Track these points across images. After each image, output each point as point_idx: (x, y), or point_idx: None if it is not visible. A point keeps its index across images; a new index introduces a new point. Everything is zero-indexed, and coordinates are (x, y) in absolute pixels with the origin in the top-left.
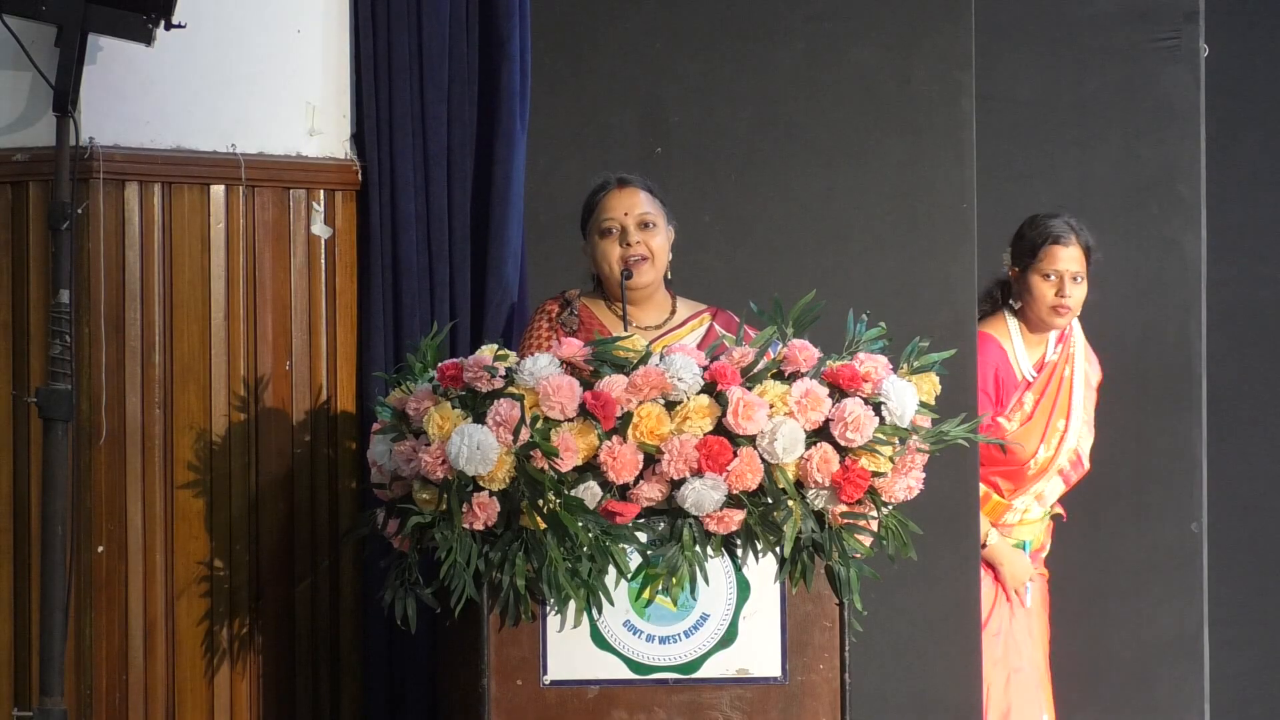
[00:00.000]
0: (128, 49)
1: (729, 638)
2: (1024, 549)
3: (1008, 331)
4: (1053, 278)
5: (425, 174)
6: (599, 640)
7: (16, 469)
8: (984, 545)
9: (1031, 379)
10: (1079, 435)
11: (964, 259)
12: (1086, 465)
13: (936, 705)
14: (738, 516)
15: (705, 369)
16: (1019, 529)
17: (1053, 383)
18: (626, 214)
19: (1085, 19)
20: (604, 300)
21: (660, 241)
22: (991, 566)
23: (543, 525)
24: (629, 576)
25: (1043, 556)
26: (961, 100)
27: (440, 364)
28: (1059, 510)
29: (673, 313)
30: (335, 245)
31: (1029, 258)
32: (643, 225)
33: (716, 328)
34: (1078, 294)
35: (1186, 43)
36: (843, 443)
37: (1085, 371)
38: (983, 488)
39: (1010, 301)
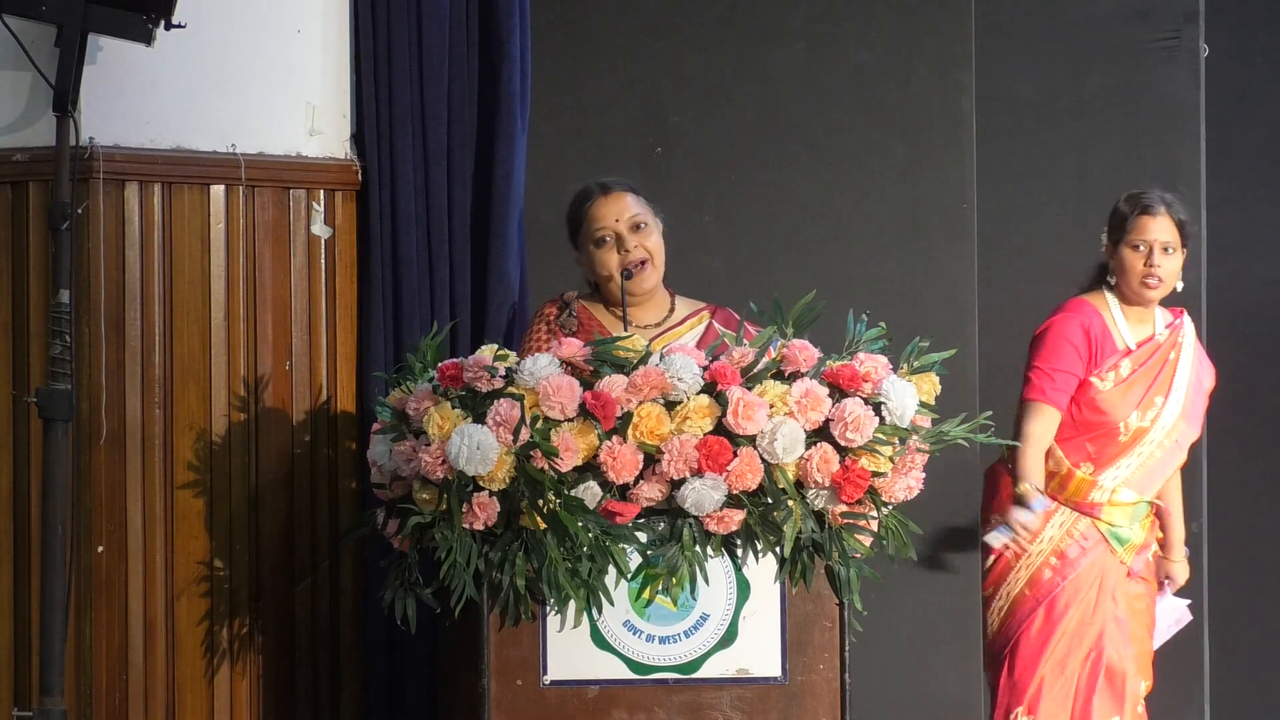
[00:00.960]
0: (128, 49)
1: (729, 638)
2: (1118, 544)
3: (1106, 304)
4: (1141, 248)
5: (425, 174)
6: (599, 640)
7: (16, 469)
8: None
9: (1133, 348)
10: (1175, 417)
11: (964, 259)
12: (1184, 456)
13: (936, 705)
14: (738, 516)
15: (705, 369)
16: (1109, 510)
17: (1155, 359)
18: (618, 220)
19: (1085, 19)
20: (602, 302)
21: (655, 240)
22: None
23: (543, 525)
24: (629, 576)
25: (1147, 557)
26: (961, 100)
27: (440, 364)
28: (1160, 502)
29: (671, 311)
30: (335, 245)
31: (1120, 231)
32: (635, 228)
33: (716, 325)
34: (1169, 264)
35: (1186, 43)
36: (843, 443)
37: (1196, 369)
38: (1067, 462)
39: (1108, 279)
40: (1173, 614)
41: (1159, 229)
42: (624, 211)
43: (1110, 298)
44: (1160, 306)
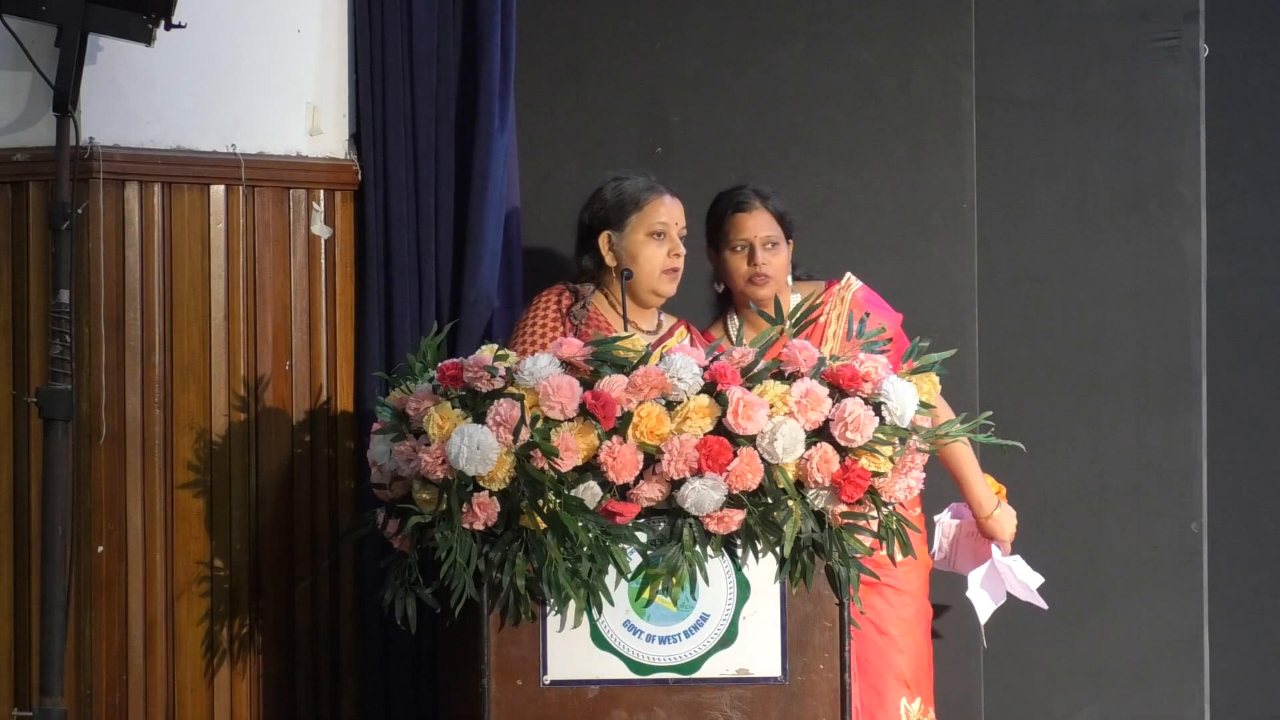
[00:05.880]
0: (128, 49)
1: (729, 638)
2: None
3: (726, 331)
4: (741, 248)
5: (415, 175)
6: (599, 640)
7: (16, 469)
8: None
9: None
10: None
11: (964, 259)
12: None
13: (936, 705)
14: (738, 516)
15: (705, 369)
16: None
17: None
18: (677, 224)
19: (1085, 19)
20: (607, 298)
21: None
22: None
23: (543, 525)
24: (629, 576)
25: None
26: (961, 100)
27: (440, 364)
28: None
29: (660, 322)
30: (335, 245)
31: (718, 234)
32: (682, 239)
33: (695, 340)
34: (774, 260)
35: (1186, 43)
36: (843, 443)
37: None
38: None
39: (714, 285)
40: (996, 573)
41: (757, 225)
42: (680, 219)
43: (732, 321)
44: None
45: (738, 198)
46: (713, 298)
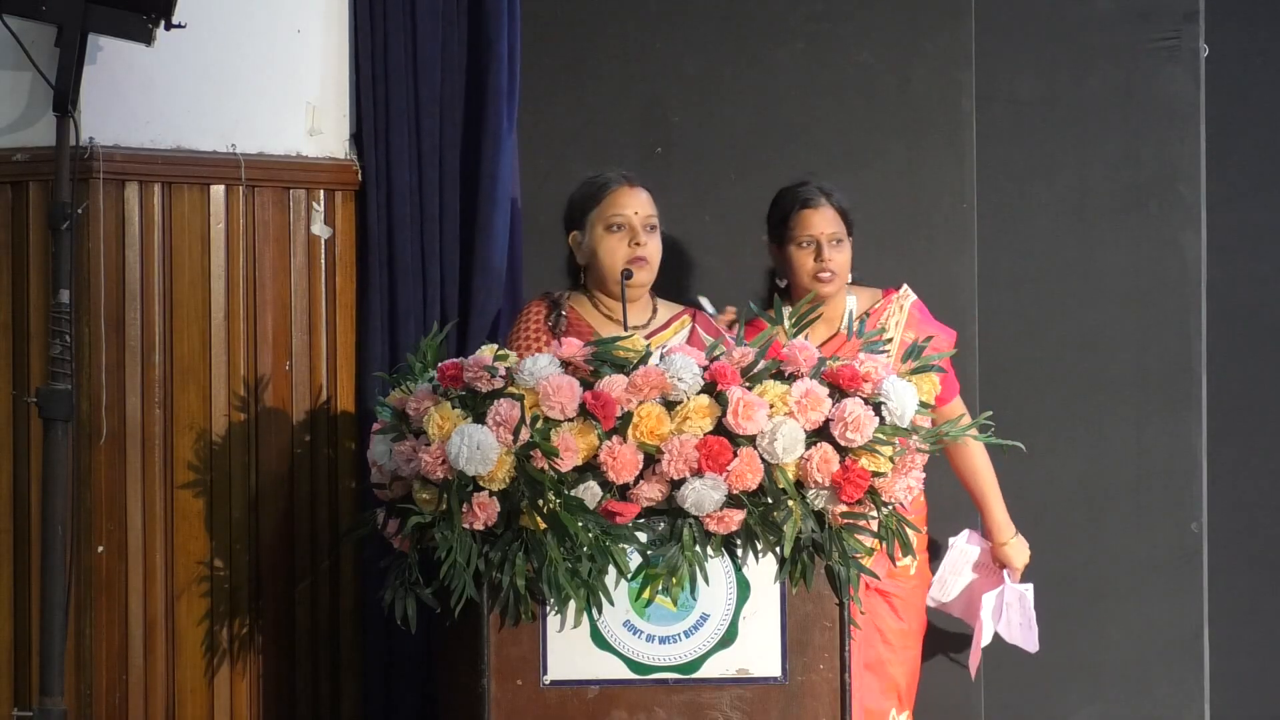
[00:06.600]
0: (128, 49)
1: (729, 638)
2: None
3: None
4: (807, 244)
5: (419, 174)
6: (599, 640)
7: (16, 469)
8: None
9: None
10: None
11: (964, 259)
12: None
13: (936, 705)
14: (738, 516)
15: (705, 369)
16: None
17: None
18: (636, 213)
19: (1085, 19)
20: (589, 299)
21: (657, 245)
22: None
23: (543, 525)
24: (629, 576)
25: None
26: (961, 100)
27: (440, 364)
28: None
29: (654, 313)
30: (335, 245)
31: (783, 229)
32: (649, 228)
33: (699, 330)
34: (839, 257)
35: (1186, 43)
36: (843, 443)
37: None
38: None
39: (776, 280)
40: (1004, 600)
41: (824, 221)
42: (643, 208)
43: (786, 311)
44: (858, 293)
45: (804, 194)
46: (767, 293)
